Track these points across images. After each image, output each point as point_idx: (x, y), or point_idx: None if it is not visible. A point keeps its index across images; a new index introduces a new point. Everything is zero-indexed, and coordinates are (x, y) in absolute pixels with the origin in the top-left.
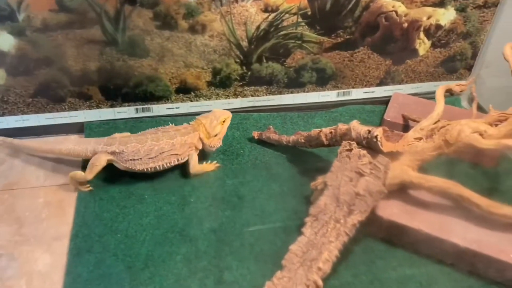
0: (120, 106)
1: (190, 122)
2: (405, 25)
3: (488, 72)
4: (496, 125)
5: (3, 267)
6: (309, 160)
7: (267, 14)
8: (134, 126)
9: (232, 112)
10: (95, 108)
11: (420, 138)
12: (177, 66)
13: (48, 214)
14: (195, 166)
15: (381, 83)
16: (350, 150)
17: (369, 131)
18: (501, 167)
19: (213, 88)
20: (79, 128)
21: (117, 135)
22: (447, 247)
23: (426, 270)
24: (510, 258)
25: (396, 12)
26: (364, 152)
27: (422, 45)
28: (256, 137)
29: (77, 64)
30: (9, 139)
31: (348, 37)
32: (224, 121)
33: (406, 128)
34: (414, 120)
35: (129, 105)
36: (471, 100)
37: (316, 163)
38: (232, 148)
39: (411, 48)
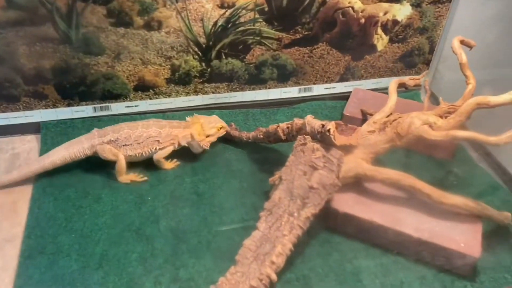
0: (77, 105)
1: (186, 118)
2: (362, 20)
3: (445, 66)
4: (446, 117)
5: None
6: (269, 156)
7: (223, 10)
8: (92, 125)
9: (193, 109)
10: (51, 108)
11: (373, 131)
12: (134, 63)
13: (0, 216)
14: (162, 155)
15: (342, 79)
16: (305, 144)
17: (323, 125)
18: (456, 158)
19: (172, 85)
20: (36, 128)
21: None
22: (400, 238)
23: (381, 261)
24: (460, 247)
25: (352, 8)
26: (317, 146)
27: (380, 40)
28: None
29: (30, 62)
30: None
31: (306, 33)
32: (220, 128)
33: (364, 122)
34: (371, 115)
35: (86, 104)
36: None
37: (276, 158)
38: None
39: (369, 43)
